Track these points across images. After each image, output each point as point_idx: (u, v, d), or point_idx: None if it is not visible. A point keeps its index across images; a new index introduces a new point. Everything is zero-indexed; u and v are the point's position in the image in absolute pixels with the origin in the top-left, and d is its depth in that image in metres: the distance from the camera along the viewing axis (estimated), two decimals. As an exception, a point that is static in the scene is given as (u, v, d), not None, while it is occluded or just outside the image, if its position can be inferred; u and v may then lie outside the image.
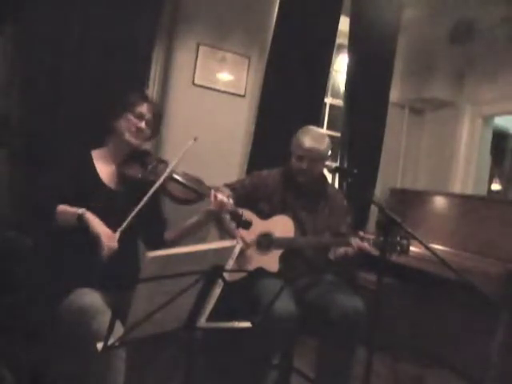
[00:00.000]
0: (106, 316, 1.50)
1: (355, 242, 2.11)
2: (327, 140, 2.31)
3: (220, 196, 1.88)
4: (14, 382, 1.78)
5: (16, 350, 1.85)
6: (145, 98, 1.95)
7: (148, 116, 1.90)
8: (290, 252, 2.26)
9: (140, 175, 1.84)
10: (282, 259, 2.24)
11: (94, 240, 1.65)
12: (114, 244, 1.66)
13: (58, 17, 2.41)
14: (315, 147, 2.25)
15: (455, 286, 2.37)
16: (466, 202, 3.29)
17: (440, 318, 3.18)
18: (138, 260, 1.90)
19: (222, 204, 1.88)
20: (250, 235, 2.30)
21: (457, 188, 3.87)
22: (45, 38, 2.39)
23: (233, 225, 2.25)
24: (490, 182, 5.01)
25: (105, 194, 1.83)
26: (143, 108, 1.89)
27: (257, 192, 2.37)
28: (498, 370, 2.62)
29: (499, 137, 4.96)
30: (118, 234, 1.68)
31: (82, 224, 1.67)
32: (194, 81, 3.08)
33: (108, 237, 1.66)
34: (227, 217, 2.27)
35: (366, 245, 2.09)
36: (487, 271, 2.63)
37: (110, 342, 1.20)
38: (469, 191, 3.84)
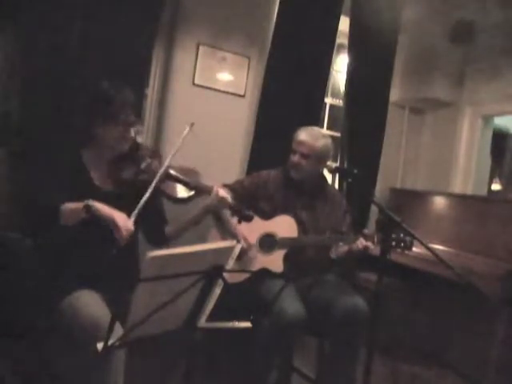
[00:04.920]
0: (105, 317, 1.50)
1: (359, 241, 2.12)
2: (325, 140, 2.30)
3: (221, 191, 1.84)
4: (13, 382, 1.78)
5: (16, 351, 1.85)
6: (125, 103, 1.75)
7: (132, 119, 1.78)
8: (293, 252, 2.25)
9: (134, 176, 1.75)
10: (286, 259, 2.24)
11: (108, 226, 1.58)
12: (131, 226, 1.60)
13: (58, 17, 2.41)
14: (307, 141, 2.26)
15: (455, 286, 2.37)
16: (465, 202, 3.29)
17: (440, 318, 3.18)
18: (137, 259, 1.88)
19: (222, 199, 1.83)
20: (253, 236, 2.30)
21: (457, 188, 3.87)
22: (45, 37, 2.39)
23: (233, 223, 2.25)
24: (490, 182, 5.00)
25: (98, 197, 1.69)
26: (128, 116, 1.76)
27: (257, 192, 2.36)
28: (498, 370, 2.62)
29: (499, 137, 4.96)
30: (133, 218, 1.62)
31: (90, 214, 1.59)
32: (194, 81, 3.08)
33: (123, 219, 1.60)
34: (227, 214, 2.27)
35: (369, 244, 2.10)
36: (487, 271, 2.63)
37: (110, 342, 1.20)
38: (469, 191, 3.84)
